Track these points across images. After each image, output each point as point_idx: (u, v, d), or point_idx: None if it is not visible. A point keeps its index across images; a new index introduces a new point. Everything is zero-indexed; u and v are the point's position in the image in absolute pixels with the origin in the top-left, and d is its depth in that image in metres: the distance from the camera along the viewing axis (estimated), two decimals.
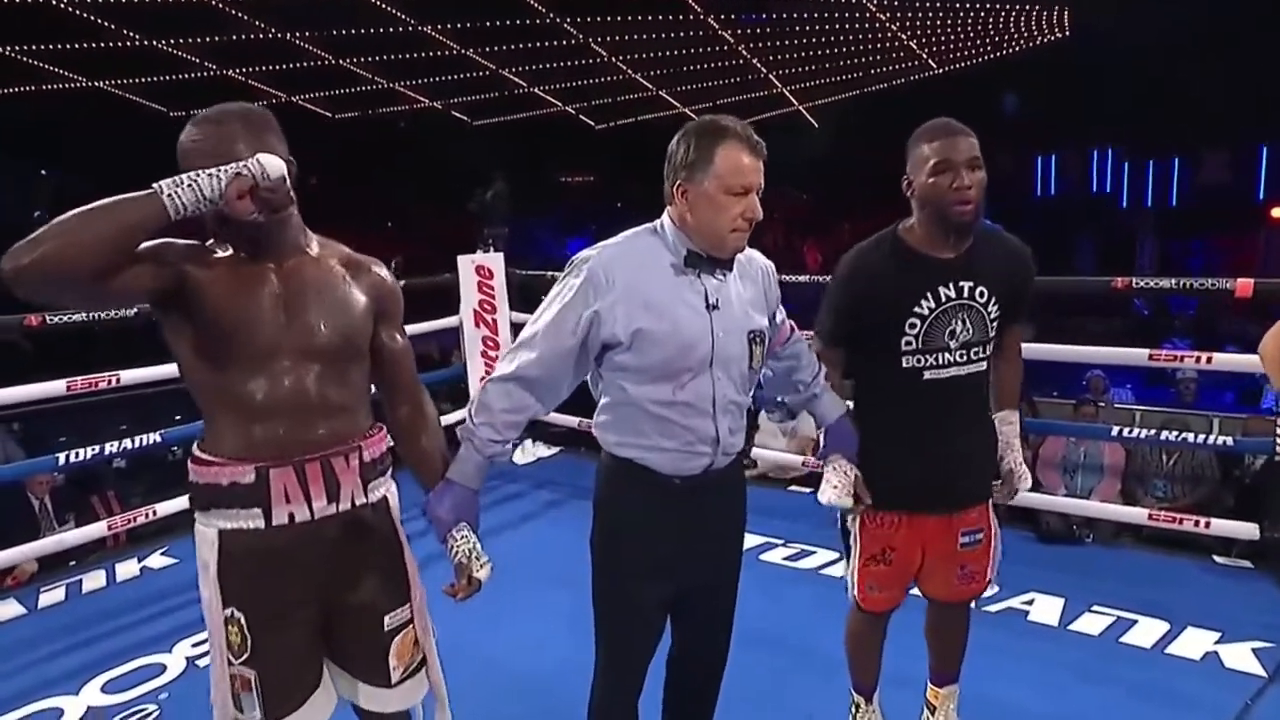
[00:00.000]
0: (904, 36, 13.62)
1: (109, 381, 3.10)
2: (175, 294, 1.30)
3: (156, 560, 3.46)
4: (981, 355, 1.75)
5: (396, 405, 1.53)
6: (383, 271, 1.49)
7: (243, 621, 1.36)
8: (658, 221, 1.55)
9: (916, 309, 1.69)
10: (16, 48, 11.91)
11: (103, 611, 3.02)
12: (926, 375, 1.72)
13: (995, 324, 1.75)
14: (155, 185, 1.18)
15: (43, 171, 14.65)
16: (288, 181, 1.26)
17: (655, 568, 1.57)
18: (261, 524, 1.33)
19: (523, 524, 3.83)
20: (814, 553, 3.36)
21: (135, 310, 2.76)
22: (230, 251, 1.35)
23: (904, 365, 1.72)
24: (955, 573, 1.87)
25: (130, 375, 3.20)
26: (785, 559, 3.34)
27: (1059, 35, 13.71)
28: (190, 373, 1.35)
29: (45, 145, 14.26)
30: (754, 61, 14.80)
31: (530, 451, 4.75)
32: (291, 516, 1.34)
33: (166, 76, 13.28)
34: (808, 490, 4.17)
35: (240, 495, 1.32)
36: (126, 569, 3.40)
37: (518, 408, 1.51)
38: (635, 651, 1.64)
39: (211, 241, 1.36)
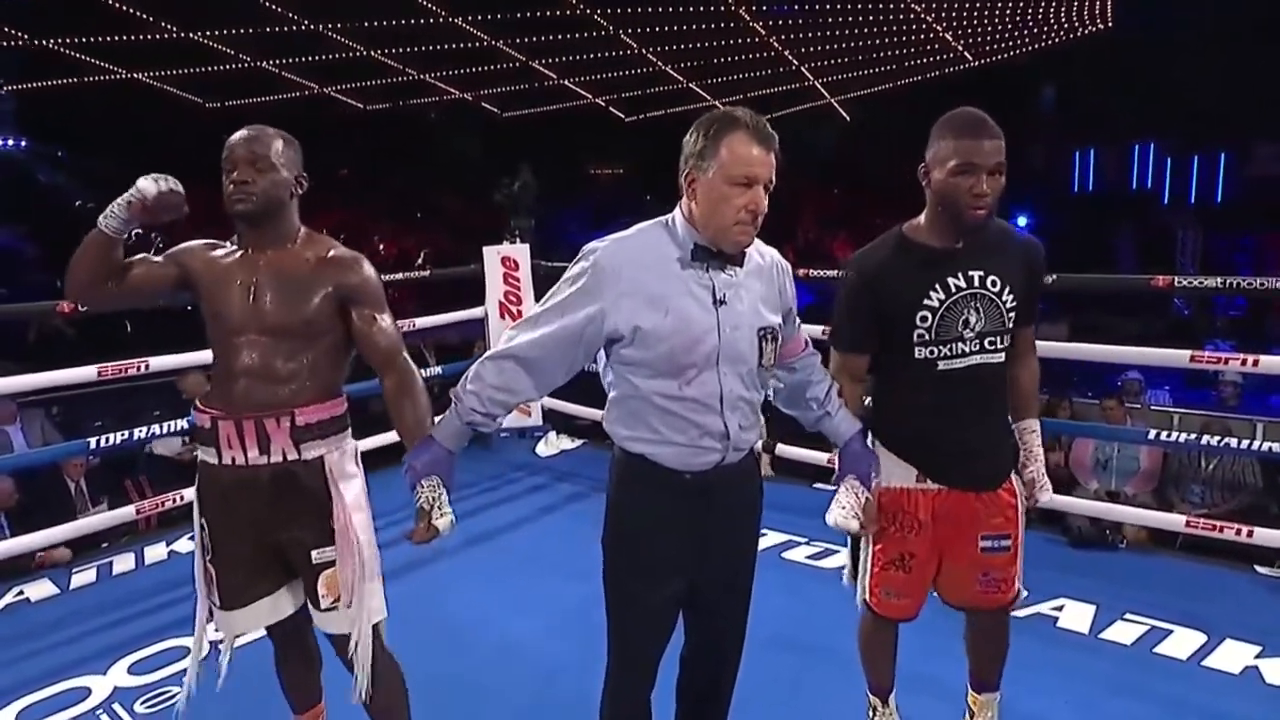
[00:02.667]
0: (939, 28, 13.37)
1: (138, 368, 3.14)
2: (186, 285, 1.72)
3: (184, 545, 3.51)
4: (998, 346, 1.71)
5: (382, 377, 1.74)
6: (358, 266, 1.74)
7: (207, 529, 1.76)
8: (670, 215, 1.53)
9: (926, 301, 1.67)
10: (58, 40, 12.16)
11: (132, 593, 3.07)
12: (940, 366, 1.69)
13: (1012, 315, 1.71)
14: (98, 220, 1.62)
15: None
16: (167, 195, 1.59)
17: (666, 564, 1.55)
18: (215, 460, 1.70)
19: (544, 516, 3.83)
20: (837, 551, 3.30)
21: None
22: (234, 246, 1.73)
23: (916, 356, 1.70)
24: (976, 578, 1.82)
25: (159, 362, 3.25)
26: (808, 558, 3.30)
27: (1100, 26, 13.35)
28: (209, 342, 1.74)
29: (92, 135, 14.59)
30: (785, 54, 14.63)
31: (554, 444, 4.75)
32: (233, 459, 1.68)
33: (202, 68, 13.47)
34: (833, 488, 4.11)
35: (204, 436, 1.71)
36: (155, 552, 3.46)
37: (507, 386, 1.52)
38: (645, 648, 1.63)
39: (232, 239, 1.74)
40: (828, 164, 17.39)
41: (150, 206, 1.58)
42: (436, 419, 1.63)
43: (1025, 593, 1.90)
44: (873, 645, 1.98)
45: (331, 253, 1.72)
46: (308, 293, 1.67)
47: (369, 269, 1.75)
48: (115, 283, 1.65)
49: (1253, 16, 11.56)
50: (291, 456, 1.68)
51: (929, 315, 1.67)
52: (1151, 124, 14.18)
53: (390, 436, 4.18)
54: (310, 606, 1.78)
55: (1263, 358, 3.09)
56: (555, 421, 4.84)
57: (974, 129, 1.59)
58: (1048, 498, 1.84)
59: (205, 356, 3.35)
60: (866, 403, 1.88)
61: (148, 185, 1.58)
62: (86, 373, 3.06)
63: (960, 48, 14.34)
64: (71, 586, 3.18)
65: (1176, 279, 3.18)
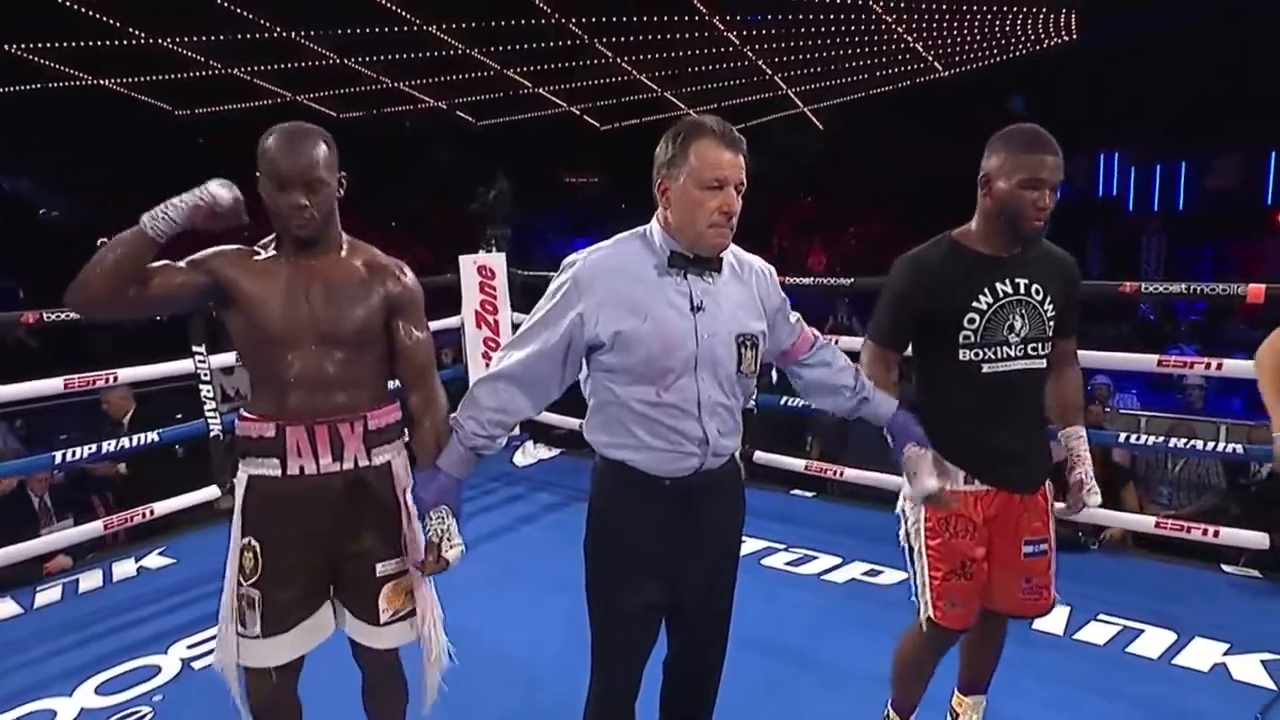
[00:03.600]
0: (910, 39, 13.56)
1: (106, 380, 3.08)
2: (216, 293, 1.60)
3: (154, 560, 3.44)
4: (1040, 353, 1.77)
5: (409, 391, 1.72)
6: (402, 274, 1.70)
7: (257, 549, 1.62)
8: (648, 225, 1.56)
9: (975, 304, 1.72)
10: (22, 45, 11.93)
11: (99, 611, 3.00)
12: (985, 369, 1.74)
13: (1053, 324, 1.76)
14: (142, 219, 1.48)
15: None
16: (238, 203, 1.53)
17: (646, 569, 1.56)
18: (278, 472, 1.60)
19: (522, 526, 3.81)
20: (816, 558, 3.33)
21: None
22: (274, 252, 1.63)
23: (961, 359, 1.74)
24: (1020, 584, 1.84)
25: (127, 374, 3.19)
26: (787, 564, 3.31)
27: (1065, 39, 13.64)
28: (240, 351, 1.65)
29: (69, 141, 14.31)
30: (759, 63, 14.74)
31: (531, 453, 4.73)
32: (302, 469, 1.60)
33: (172, 75, 13.28)
34: (810, 494, 4.15)
35: (264, 447, 1.61)
36: (123, 569, 3.38)
37: (504, 406, 1.55)
38: (628, 654, 1.62)
39: (265, 242, 1.65)
40: (802, 173, 17.54)
41: (220, 213, 1.50)
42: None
43: (1058, 597, 1.90)
44: (923, 661, 1.92)
45: (378, 259, 1.69)
46: (363, 302, 1.62)
47: (412, 277, 1.72)
48: (136, 290, 1.50)
49: (1215, 30, 11.88)
50: (363, 463, 1.63)
51: (976, 318, 1.72)
52: (1116, 134, 14.49)
53: None
54: (359, 624, 1.68)
55: (1226, 361, 3.17)
56: (532, 430, 4.82)
57: (1040, 143, 1.66)
58: (1096, 501, 1.86)
59: (179, 367, 3.31)
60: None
61: (223, 192, 1.50)
62: (53, 385, 3.01)
63: (931, 58, 14.55)
64: (36, 605, 3.10)
65: (1143, 285, 3.25)
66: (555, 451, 4.77)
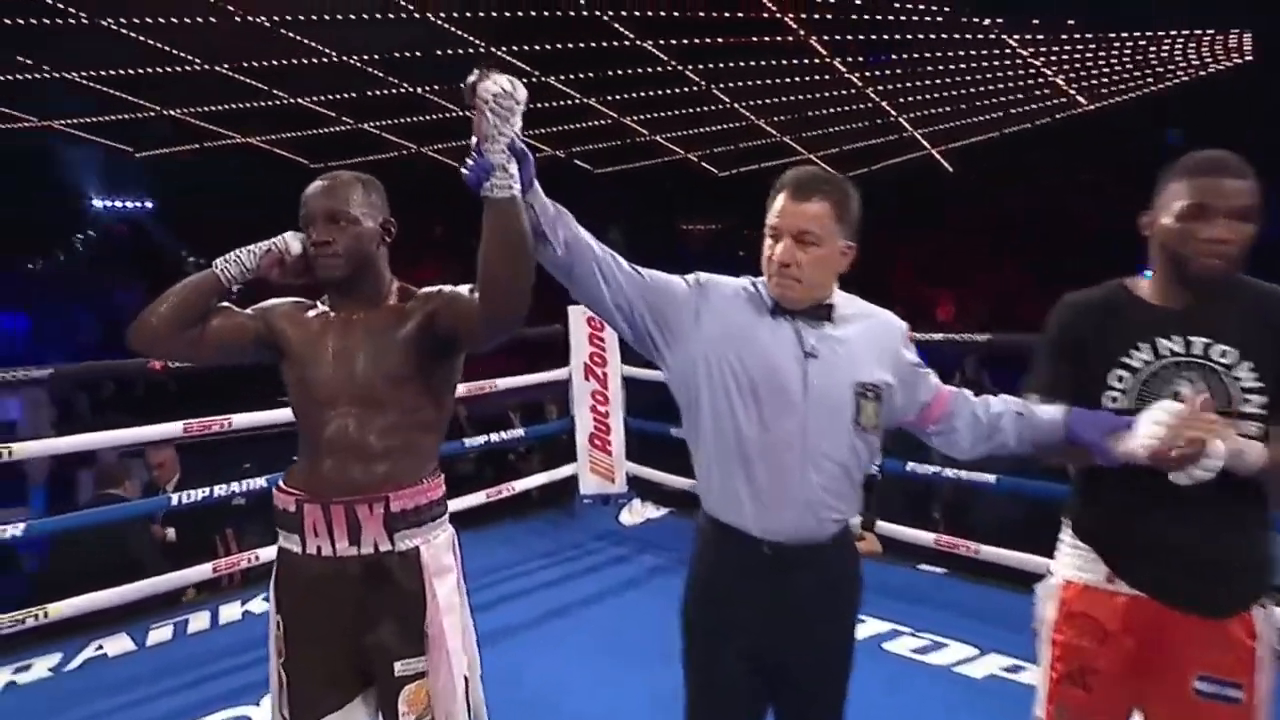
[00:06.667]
0: (1049, 72, 12.83)
1: (221, 425, 3.15)
2: (269, 342, 1.57)
3: (258, 605, 3.46)
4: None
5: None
6: (435, 287, 1.55)
7: (283, 629, 1.56)
8: (758, 278, 1.51)
9: (1126, 359, 1.41)
10: (184, 110, 13.26)
11: (203, 654, 3.03)
12: None
13: (1253, 398, 1.36)
14: (214, 263, 1.52)
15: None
16: (310, 256, 1.53)
17: (738, 634, 1.46)
18: (299, 549, 1.53)
19: (626, 590, 3.60)
20: (947, 645, 2.94)
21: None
22: (324, 306, 1.59)
23: None
24: None
25: (242, 419, 3.26)
26: (913, 651, 2.95)
27: (1238, 61, 12.48)
28: (293, 411, 1.60)
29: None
30: (883, 104, 14.36)
31: (638, 512, 4.53)
32: (319, 549, 1.51)
33: (309, 131, 14.37)
34: (940, 570, 3.73)
35: (287, 521, 1.54)
36: (229, 612, 3.42)
37: (594, 248, 1.45)
38: None
39: (322, 298, 1.61)
40: (928, 215, 16.85)
41: (290, 264, 1.52)
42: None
43: None
44: None
45: (419, 292, 1.59)
46: (396, 341, 1.52)
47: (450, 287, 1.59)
48: (199, 332, 1.51)
49: None
50: (384, 548, 1.51)
51: (1127, 375, 1.41)
52: None
53: (473, 499, 4.04)
54: None
55: None
56: (640, 488, 4.63)
57: (1211, 165, 1.35)
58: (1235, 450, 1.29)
59: (281, 415, 3.35)
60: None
61: (295, 243, 1.52)
62: (173, 428, 3.09)
63: (1073, 92, 13.69)
64: (148, 643, 3.16)
65: None
66: (664, 511, 4.54)
